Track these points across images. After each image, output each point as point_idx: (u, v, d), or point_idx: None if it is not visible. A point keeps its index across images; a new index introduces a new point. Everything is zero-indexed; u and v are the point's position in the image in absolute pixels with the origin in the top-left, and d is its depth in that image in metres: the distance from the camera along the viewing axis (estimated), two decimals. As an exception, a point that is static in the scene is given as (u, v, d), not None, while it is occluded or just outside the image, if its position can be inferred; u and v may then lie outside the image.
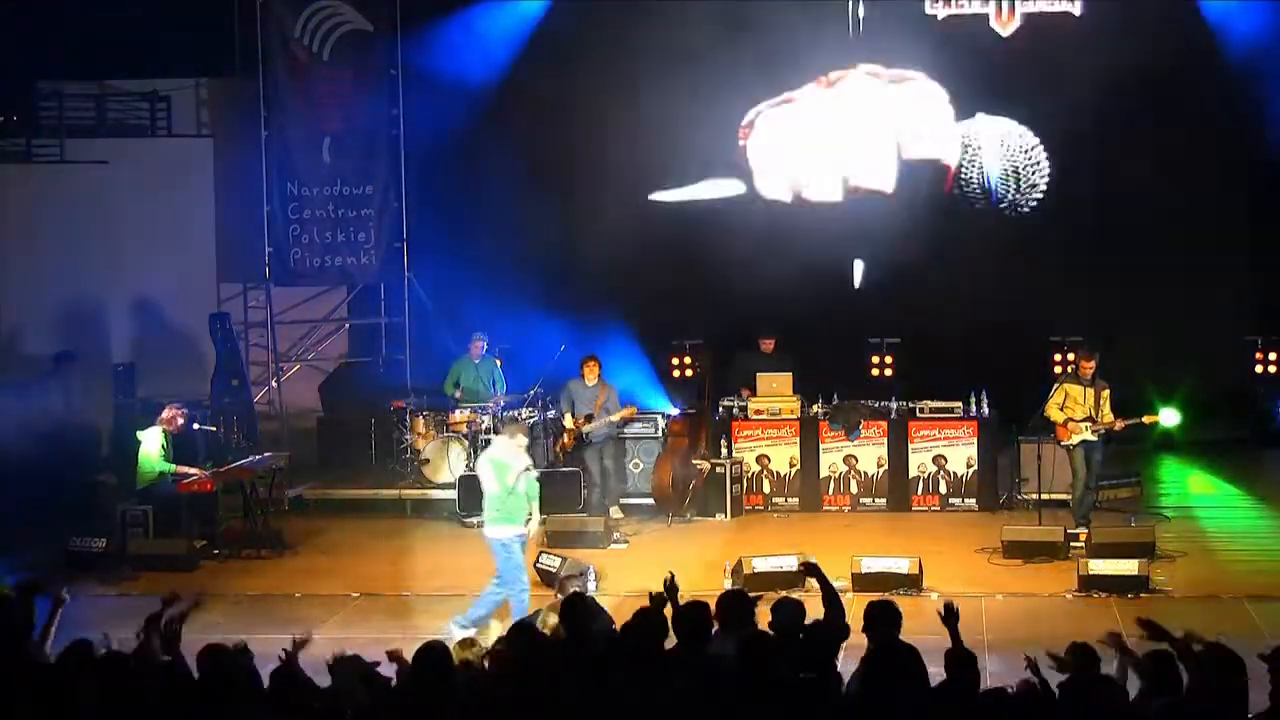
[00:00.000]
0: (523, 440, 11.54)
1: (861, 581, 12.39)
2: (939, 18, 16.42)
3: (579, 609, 7.98)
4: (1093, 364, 14.26)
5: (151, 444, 14.44)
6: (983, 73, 17.17)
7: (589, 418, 15.77)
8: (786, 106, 16.59)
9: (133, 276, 18.76)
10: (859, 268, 17.51)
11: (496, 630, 10.39)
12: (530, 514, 11.65)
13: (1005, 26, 15.74)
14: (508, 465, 11.28)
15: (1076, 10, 16.03)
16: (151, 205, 18.89)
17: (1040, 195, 16.43)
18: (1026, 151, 16.12)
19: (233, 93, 19.55)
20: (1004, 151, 16.15)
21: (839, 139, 17.14)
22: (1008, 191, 15.87)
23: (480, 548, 14.88)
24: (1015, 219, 17.95)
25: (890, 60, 16.84)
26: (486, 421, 16.31)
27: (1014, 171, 16.06)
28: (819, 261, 17.60)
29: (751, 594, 8.29)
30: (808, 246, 17.43)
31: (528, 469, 11.42)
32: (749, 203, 18.19)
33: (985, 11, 15.92)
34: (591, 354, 16.06)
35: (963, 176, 16.87)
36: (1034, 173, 16.06)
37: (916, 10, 16.77)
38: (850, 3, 16.24)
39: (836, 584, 8.81)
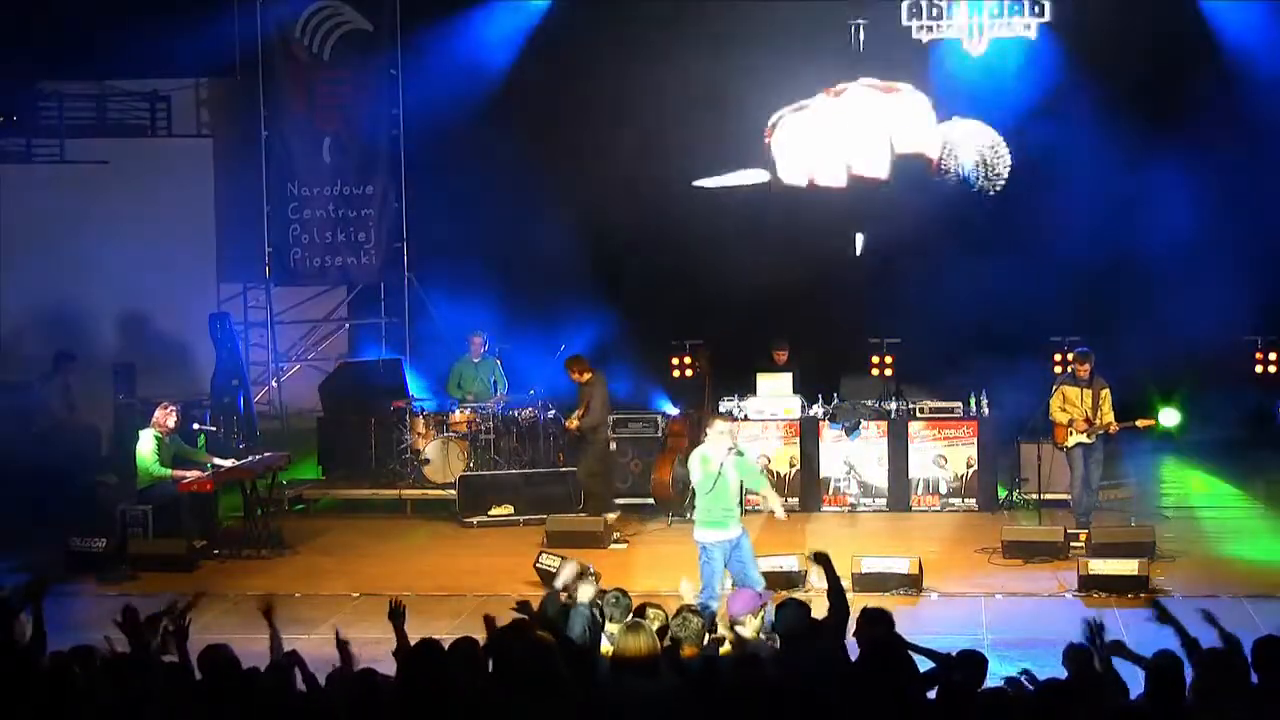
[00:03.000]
0: (721, 427, 11.33)
1: (861, 581, 12.37)
2: (924, 41, 18.49)
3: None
4: (1088, 365, 14.27)
5: (145, 447, 14.41)
6: (958, 84, 18.94)
7: (579, 416, 15.65)
8: (802, 112, 19.11)
9: (133, 276, 18.71)
10: (860, 240, 19.28)
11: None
12: (762, 496, 11.64)
13: (975, 47, 18.62)
14: (709, 456, 11.13)
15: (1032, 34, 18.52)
16: (151, 205, 18.87)
17: (1003, 182, 18.91)
18: (992, 146, 18.85)
19: (233, 93, 19.53)
20: (975, 146, 19.00)
21: (844, 136, 19.13)
22: (978, 178, 18.85)
23: (479, 547, 14.99)
24: (1018, 219, 18.25)
25: (885, 74, 18.94)
26: (488, 421, 16.32)
27: (983, 162, 18.98)
28: (827, 240, 18.75)
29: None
30: (817, 226, 18.65)
31: (731, 449, 11.19)
32: (767, 190, 19.15)
33: (958, 38, 18.60)
34: (570, 355, 15.88)
35: (943, 166, 18.99)
36: (999, 163, 18.84)
37: (905, 33, 18.47)
38: (852, 28, 18.62)
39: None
